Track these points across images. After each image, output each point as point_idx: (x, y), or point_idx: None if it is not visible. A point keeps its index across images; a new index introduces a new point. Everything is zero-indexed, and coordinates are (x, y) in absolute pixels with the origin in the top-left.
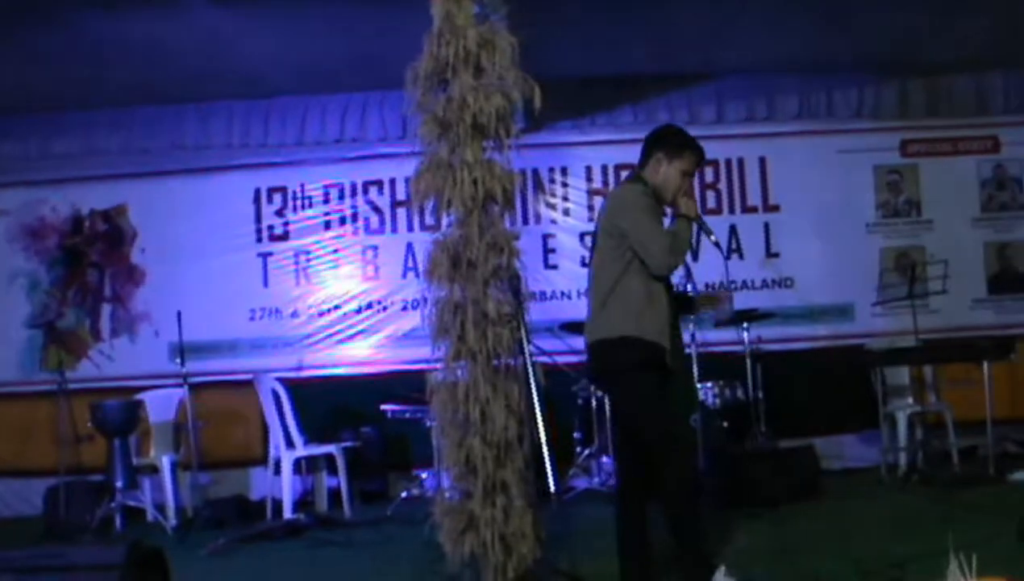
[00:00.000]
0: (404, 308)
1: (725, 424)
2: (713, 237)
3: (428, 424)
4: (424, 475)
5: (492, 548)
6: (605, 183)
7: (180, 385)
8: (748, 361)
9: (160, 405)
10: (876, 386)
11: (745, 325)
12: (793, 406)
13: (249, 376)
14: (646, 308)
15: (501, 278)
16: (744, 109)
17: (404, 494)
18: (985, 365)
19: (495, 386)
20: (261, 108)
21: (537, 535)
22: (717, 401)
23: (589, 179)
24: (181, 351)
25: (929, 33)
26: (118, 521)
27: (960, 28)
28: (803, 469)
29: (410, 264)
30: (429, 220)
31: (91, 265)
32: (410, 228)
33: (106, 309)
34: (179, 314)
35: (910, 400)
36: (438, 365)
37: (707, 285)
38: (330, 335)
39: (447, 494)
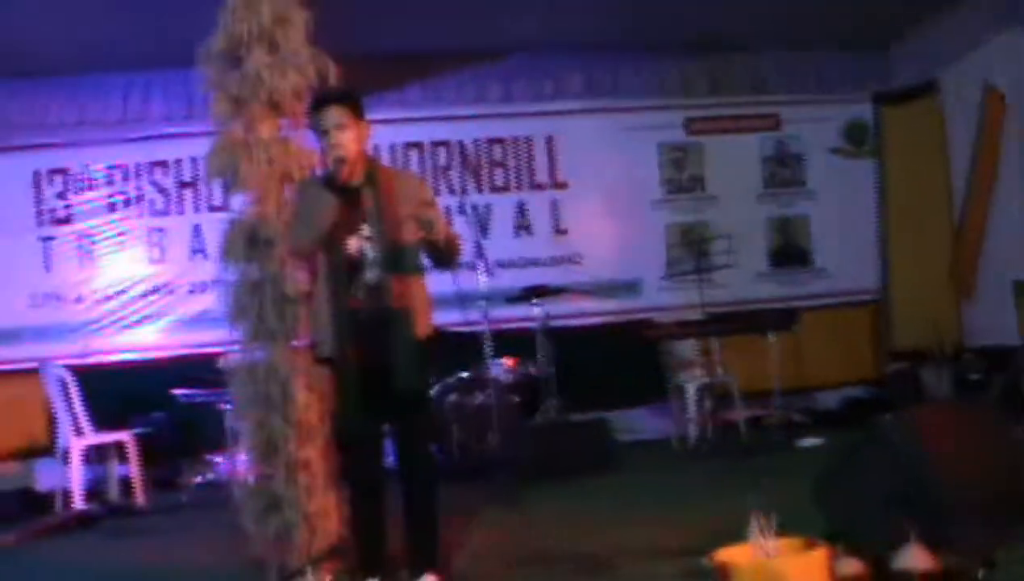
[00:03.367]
0: (192, 291)
1: (517, 399)
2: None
3: (221, 407)
4: (218, 459)
5: (297, 528)
6: (394, 161)
7: None
8: (539, 337)
9: None
10: (665, 359)
11: (535, 301)
12: (584, 381)
13: (33, 364)
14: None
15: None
16: (531, 88)
17: (198, 479)
18: (770, 336)
19: (295, 366)
20: (38, 86)
21: (340, 512)
22: (509, 377)
23: (377, 158)
24: None
25: (709, 13)
26: None
27: (739, 8)
28: (596, 442)
29: (197, 246)
30: (217, 201)
31: None
32: (197, 209)
33: None
34: None
35: (698, 372)
36: (234, 347)
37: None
38: (116, 320)
39: (248, 476)
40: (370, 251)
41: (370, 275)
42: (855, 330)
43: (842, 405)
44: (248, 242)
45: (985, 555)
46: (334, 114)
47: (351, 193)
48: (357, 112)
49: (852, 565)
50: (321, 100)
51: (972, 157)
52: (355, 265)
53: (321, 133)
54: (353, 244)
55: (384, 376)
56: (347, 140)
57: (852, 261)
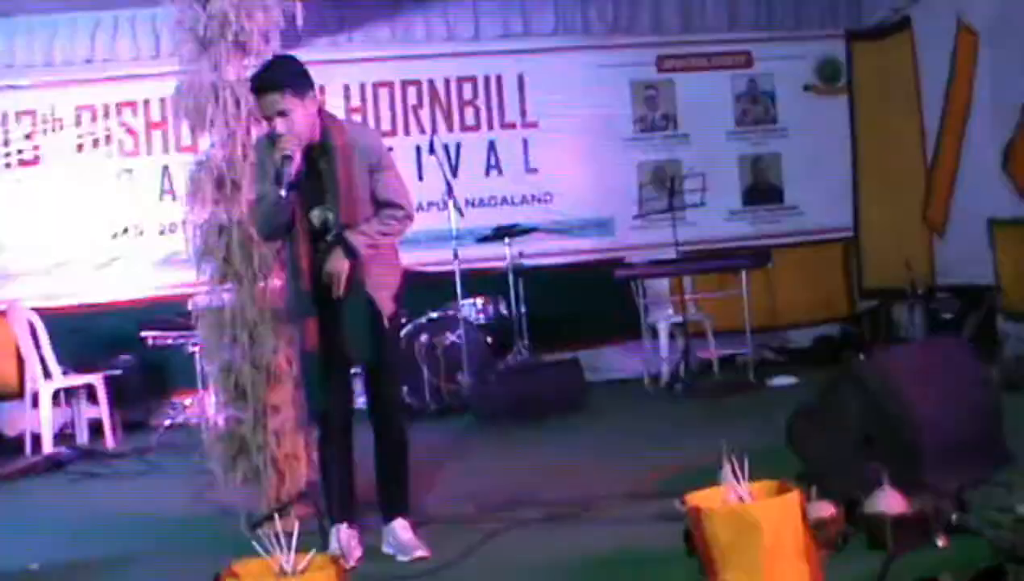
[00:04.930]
0: (161, 232)
1: (489, 340)
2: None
3: (191, 350)
4: (188, 402)
5: (265, 472)
6: (364, 101)
7: None
8: (510, 276)
9: None
10: (637, 298)
11: (506, 240)
12: (556, 320)
13: (1, 307)
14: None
15: None
16: (500, 26)
17: (168, 422)
18: (743, 275)
19: (262, 309)
20: (5, 27)
21: (309, 456)
22: (480, 317)
23: (347, 97)
24: None
25: None
26: None
27: None
28: (569, 382)
29: (166, 187)
30: (186, 142)
31: None
32: (165, 150)
33: None
34: None
35: (671, 311)
36: (202, 289)
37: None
38: (85, 262)
39: (216, 420)
40: (333, 221)
41: (333, 240)
42: (827, 268)
43: (814, 343)
44: (215, 184)
45: (958, 497)
46: (274, 102)
47: (310, 164)
48: (299, 90)
49: (825, 508)
50: (258, 87)
51: (944, 95)
52: (319, 232)
53: (264, 119)
54: (316, 216)
55: (342, 343)
56: (292, 128)
57: (824, 199)
